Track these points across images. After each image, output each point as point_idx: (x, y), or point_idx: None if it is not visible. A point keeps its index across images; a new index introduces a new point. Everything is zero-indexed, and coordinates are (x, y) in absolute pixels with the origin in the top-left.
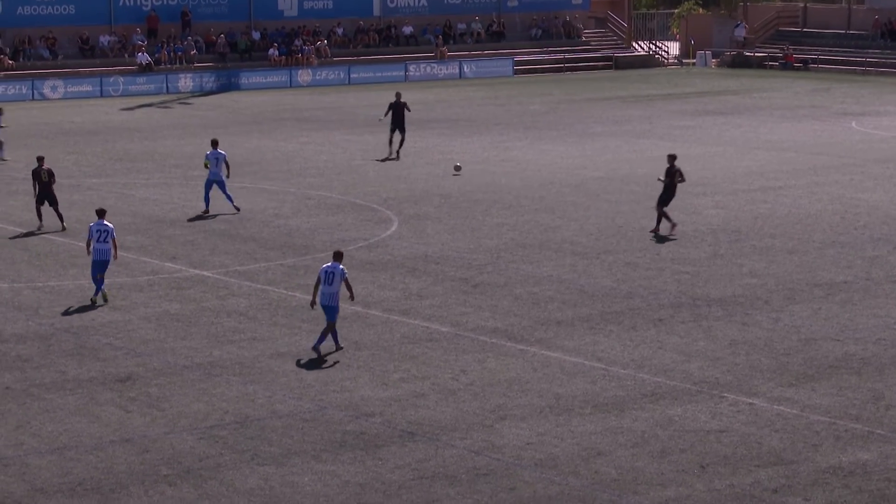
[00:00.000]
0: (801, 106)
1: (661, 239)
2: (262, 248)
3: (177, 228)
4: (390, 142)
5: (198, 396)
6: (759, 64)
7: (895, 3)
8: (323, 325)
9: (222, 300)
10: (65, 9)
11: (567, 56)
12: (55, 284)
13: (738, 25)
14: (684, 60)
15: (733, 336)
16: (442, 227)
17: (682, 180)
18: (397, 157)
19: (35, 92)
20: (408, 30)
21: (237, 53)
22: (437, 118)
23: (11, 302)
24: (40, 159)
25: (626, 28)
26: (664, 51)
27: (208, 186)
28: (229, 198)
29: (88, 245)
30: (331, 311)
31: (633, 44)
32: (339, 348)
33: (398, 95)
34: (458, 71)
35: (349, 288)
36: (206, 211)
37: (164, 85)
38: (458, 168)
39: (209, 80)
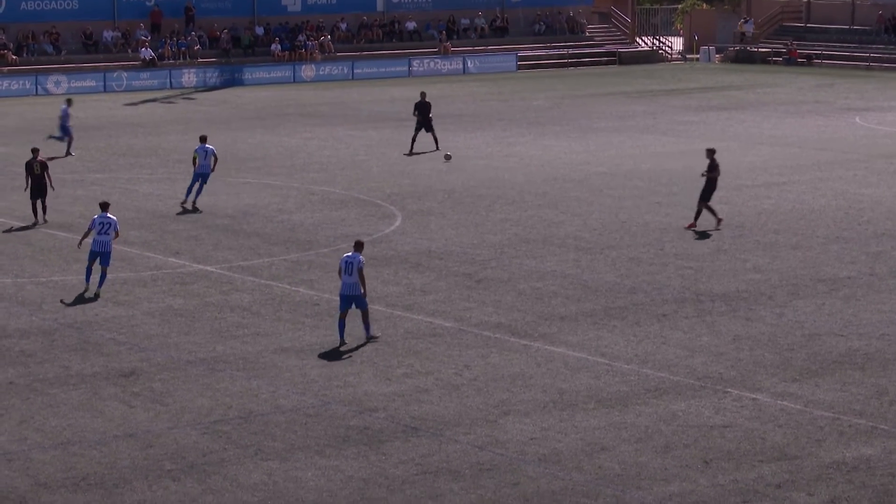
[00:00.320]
0: (804, 101)
1: (702, 235)
2: (265, 243)
3: (180, 224)
4: (413, 140)
5: (201, 391)
6: (762, 59)
7: None
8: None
9: (226, 295)
10: (68, 4)
11: (570, 51)
12: (59, 279)
13: (747, 21)
14: (688, 56)
15: (737, 331)
16: (445, 222)
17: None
18: (437, 148)
19: (38, 87)
20: (411, 25)
21: (240, 49)
22: (440, 114)
23: (15, 297)
24: (35, 151)
25: (629, 23)
26: (668, 46)
27: (194, 180)
28: (199, 193)
29: (85, 237)
30: (357, 300)
31: (637, 39)
32: (373, 338)
33: (423, 95)
34: (461, 66)
35: (362, 281)
36: (186, 201)
37: (168, 80)
38: (447, 157)
39: (212, 76)
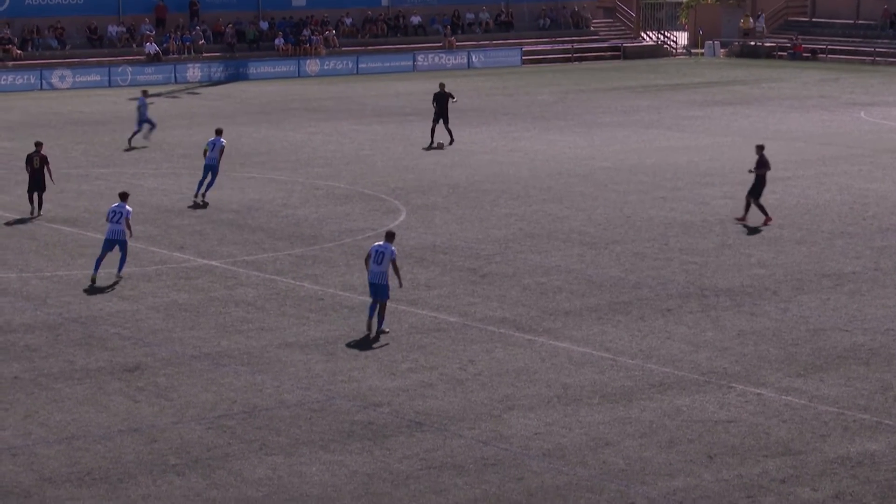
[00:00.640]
0: (809, 96)
1: (752, 230)
2: (270, 237)
3: (185, 218)
4: (432, 131)
5: (206, 386)
6: (767, 54)
7: None
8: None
9: (230, 290)
10: None
11: (575, 46)
12: (63, 274)
13: (759, 16)
14: (693, 50)
15: (741, 326)
16: (450, 217)
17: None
18: (451, 142)
19: (43, 82)
20: (416, 19)
21: (245, 43)
22: None
23: (20, 292)
24: (38, 144)
25: (634, 18)
26: (673, 41)
27: (205, 173)
28: (209, 187)
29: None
30: (381, 289)
31: (642, 34)
32: (382, 331)
33: (442, 86)
34: (466, 61)
35: (396, 272)
36: (197, 195)
37: (173, 75)
38: (440, 146)
39: (217, 70)
